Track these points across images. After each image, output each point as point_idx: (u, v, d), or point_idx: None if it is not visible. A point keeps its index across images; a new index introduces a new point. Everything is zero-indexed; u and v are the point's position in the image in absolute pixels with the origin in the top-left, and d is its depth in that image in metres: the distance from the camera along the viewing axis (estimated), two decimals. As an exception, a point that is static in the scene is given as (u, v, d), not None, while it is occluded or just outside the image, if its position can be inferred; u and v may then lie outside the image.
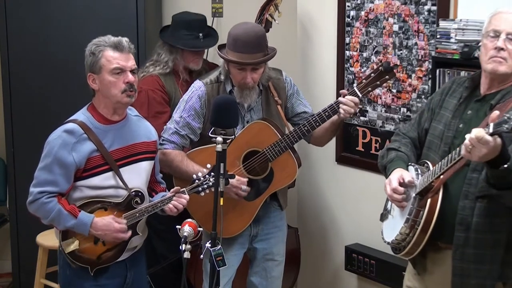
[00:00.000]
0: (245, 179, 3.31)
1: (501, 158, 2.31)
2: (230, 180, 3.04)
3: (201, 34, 4.00)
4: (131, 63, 2.96)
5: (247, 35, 3.19)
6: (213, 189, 2.95)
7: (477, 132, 2.24)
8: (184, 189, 3.04)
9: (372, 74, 3.23)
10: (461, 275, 2.58)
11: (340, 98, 3.26)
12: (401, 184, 2.68)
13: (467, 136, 2.29)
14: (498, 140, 2.26)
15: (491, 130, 2.19)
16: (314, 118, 3.32)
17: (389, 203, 2.87)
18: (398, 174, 2.71)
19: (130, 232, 3.01)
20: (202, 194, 3.05)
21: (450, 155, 2.50)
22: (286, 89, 3.48)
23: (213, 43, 4.07)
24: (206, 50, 4.46)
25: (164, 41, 3.97)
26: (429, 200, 2.60)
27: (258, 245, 3.52)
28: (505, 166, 2.32)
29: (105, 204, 3.00)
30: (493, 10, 2.64)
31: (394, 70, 3.30)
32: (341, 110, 3.24)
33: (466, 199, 2.55)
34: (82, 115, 3.00)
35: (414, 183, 2.66)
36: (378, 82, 3.23)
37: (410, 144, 2.88)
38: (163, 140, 3.38)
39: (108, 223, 2.96)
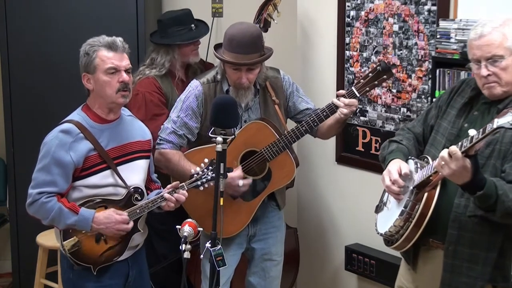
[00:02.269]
0: (240, 171, 3.29)
1: (475, 185, 2.39)
2: (226, 180, 3.04)
3: (192, 25, 4.00)
4: (125, 62, 2.97)
5: (243, 36, 3.19)
6: (211, 183, 2.95)
7: (451, 148, 2.33)
8: (183, 184, 3.04)
9: (370, 74, 3.23)
10: (452, 272, 2.59)
11: (334, 100, 3.26)
12: (400, 176, 2.69)
13: (442, 152, 2.37)
14: (467, 161, 2.32)
15: (494, 126, 2.21)
16: (312, 118, 3.32)
17: (385, 195, 2.88)
18: (396, 166, 2.72)
19: (132, 223, 3.01)
20: (201, 188, 3.05)
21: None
22: (284, 88, 3.47)
23: (207, 31, 4.12)
24: (206, 50, 4.47)
25: (157, 44, 3.97)
26: (426, 194, 2.61)
27: (256, 245, 3.52)
28: (480, 192, 2.39)
29: (105, 202, 3.00)
30: (467, 37, 2.67)
31: (392, 70, 3.30)
32: (338, 111, 3.25)
33: (462, 197, 2.56)
34: (77, 115, 3.01)
35: (412, 176, 2.67)
36: (376, 82, 3.23)
37: (413, 139, 2.89)
38: (160, 139, 3.37)
39: (109, 215, 2.96)
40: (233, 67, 3.24)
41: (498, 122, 2.20)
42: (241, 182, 3.26)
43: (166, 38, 3.96)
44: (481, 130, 2.28)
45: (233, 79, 3.29)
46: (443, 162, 2.37)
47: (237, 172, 3.27)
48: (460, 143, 2.36)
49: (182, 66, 3.98)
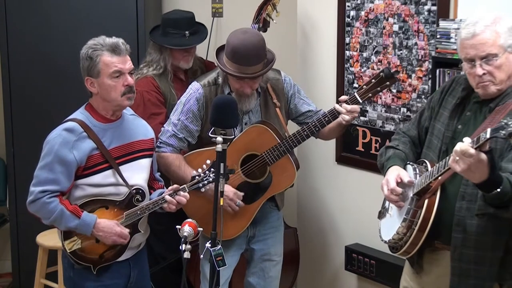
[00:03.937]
0: (241, 194, 3.31)
1: (492, 182, 2.32)
2: (226, 192, 3.05)
3: (187, 32, 3.96)
4: (129, 65, 2.97)
5: (246, 48, 3.15)
6: (213, 185, 2.95)
7: (462, 145, 2.26)
8: (185, 185, 3.04)
9: (373, 80, 3.20)
10: (460, 275, 2.57)
11: (336, 106, 3.25)
12: (399, 183, 2.68)
13: (455, 148, 2.30)
14: (483, 155, 2.25)
15: (488, 135, 2.18)
16: (314, 124, 3.31)
17: (387, 201, 2.87)
18: (395, 174, 2.71)
19: (128, 237, 3.01)
20: (203, 190, 3.05)
21: (448, 157, 2.49)
22: (285, 90, 3.46)
23: (200, 41, 4.05)
24: (206, 50, 4.46)
25: (153, 41, 3.97)
26: (426, 201, 2.60)
27: (256, 246, 3.51)
28: (498, 190, 2.33)
29: (106, 203, 3.00)
30: (457, 35, 2.64)
31: (396, 76, 3.28)
32: (340, 117, 3.24)
33: (463, 200, 2.55)
34: (80, 114, 3.01)
35: (413, 183, 2.66)
36: (378, 88, 3.21)
37: (409, 143, 2.88)
38: (160, 142, 3.36)
39: (112, 226, 2.97)
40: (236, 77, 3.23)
41: (490, 131, 2.17)
42: (239, 201, 3.27)
43: (160, 37, 3.96)
44: (475, 139, 2.24)
45: (236, 87, 3.28)
46: (457, 157, 2.29)
47: (228, 187, 3.26)
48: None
49: (174, 68, 3.96)
